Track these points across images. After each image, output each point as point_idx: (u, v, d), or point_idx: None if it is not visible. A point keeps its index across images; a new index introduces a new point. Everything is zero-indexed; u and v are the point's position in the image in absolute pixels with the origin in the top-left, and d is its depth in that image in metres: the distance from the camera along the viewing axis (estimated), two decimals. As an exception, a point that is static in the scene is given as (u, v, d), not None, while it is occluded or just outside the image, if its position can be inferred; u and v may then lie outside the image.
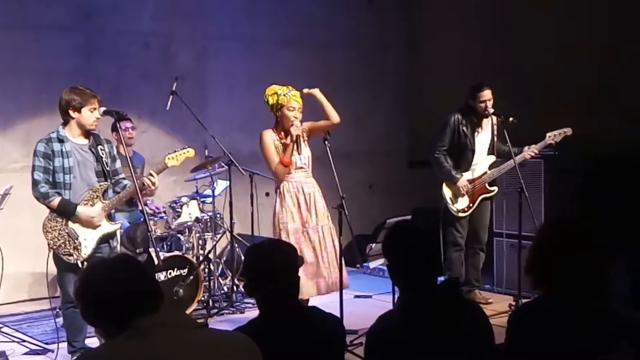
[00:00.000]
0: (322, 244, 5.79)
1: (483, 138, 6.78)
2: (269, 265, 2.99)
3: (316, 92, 5.91)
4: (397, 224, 3.26)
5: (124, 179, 5.30)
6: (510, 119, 6.47)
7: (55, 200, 5.01)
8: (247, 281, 3.08)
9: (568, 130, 6.57)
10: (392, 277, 3.02)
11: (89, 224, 5.08)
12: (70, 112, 5.04)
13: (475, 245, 6.89)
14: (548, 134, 6.58)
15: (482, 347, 2.88)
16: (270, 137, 5.79)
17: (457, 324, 2.83)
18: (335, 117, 5.86)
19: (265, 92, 5.83)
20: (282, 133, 5.81)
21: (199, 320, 2.52)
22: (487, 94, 6.61)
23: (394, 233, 3.11)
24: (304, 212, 5.78)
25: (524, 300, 6.04)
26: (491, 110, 6.62)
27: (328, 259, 5.79)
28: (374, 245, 5.78)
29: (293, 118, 5.74)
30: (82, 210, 5.04)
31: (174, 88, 6.95)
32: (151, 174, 5.14)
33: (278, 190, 5.86)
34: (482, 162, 6.78)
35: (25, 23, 7.40)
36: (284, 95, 5.76)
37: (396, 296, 5.22)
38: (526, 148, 6.62)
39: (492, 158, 6.80)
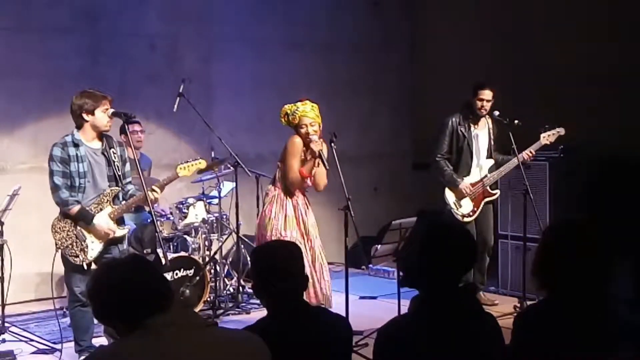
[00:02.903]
0: (321, 258, 5.83)
1: (482, 140, 6.80)
2: (275, 265, 3.01)
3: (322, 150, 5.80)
4: (442, 222, 3.10)
5: (129, 183, 5.33)
6: (516, 121, 6.50)
7: (75, 209, 5.05)
8: (254, 282, 3.10)
9: (561, 130, 6.62)
10: (418, 274, 2.86)
11: (101, 237, 5.12)
12: (84, 115, 5.07)
13: (483, 251, 6.89)
14: (542, 135, 6.62)
15: (491, 356, 2.88)
16: (300, 145, 5.77)
17: (469, 331, 2.80)
18: (320, 185, 5.88)
19: (280, 113, 5.88)
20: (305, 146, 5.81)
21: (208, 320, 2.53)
22: (486, 93, 6.64)
23: (440, 231, 2.94)
24: (302, 225, 5.80)
25: (528, 302, 6.06)
26: (484, 112, 6.65)
27: (322, 274, 5.81)
28: (379, 246, 5.79)
29: (305, 134, 5.74)
30: (98, 222, 5.07)
31: (181, 90, 6.98)
32: (154, 190, 5.16)
33: (277, 196, 5.84)
34: (481, 165, 6.81)
35: (30, 25, 7.43)
36: (292, 114, 5.77)
37: (401, 298, 5.23)
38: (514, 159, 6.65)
39: (491, 161, 6.83)
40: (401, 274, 2.99)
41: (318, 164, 5.77)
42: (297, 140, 5.77)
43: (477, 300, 3.00)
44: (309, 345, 2.91)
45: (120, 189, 5.21)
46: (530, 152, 6.61)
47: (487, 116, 6.77)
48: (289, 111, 5.80)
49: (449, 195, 6.75)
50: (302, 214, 5.82)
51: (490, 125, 6.82)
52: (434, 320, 2.77)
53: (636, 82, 7.39)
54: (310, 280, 5.67)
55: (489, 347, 2.82)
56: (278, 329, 2.88)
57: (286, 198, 5.82)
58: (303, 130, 5.75)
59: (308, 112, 5.76)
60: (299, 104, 5.81)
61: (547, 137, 6.62)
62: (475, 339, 2.77)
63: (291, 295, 3.00)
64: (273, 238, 5.73)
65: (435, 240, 2.88)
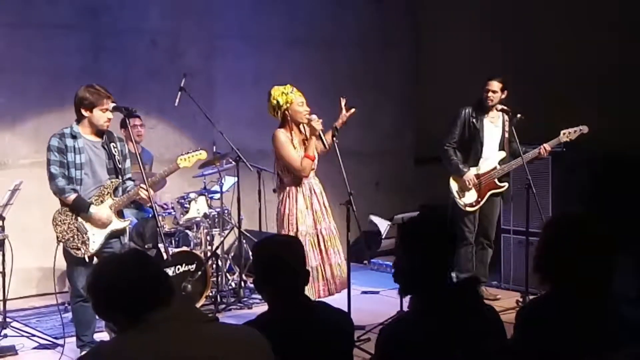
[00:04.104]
0: (334, 243, 5.80)
1: (494, 133, 6.79)
2: (276, 260, 3.00)
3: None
4: (412, 219, 3.08)
5: (129, 179, 5.33)
6: (518, 115, 6.49)
7: (71, 197, 5.05)
8: (255, 276, 3.10)
9: (584, 128, 6.55)
10: (409, 277, 2.84)
11: (99, 225, 5.12)
12: (83, 110, 5.09)
13: (482, 240, 6.90)
14: (563, 131, 6.56)
15: (493, 349, 2.86)
16: (286, 135, 5.75)
17: (470, 325, 2.78)
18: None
19: (270, 94, 5.79)
20: (294, 131, 5.79)
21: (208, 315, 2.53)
22: (491, 84, 6.65)
23: (411, 226, 2.95)
24: (317, 213, 5.77)
25: (531, 297, 6.06)
26: (489, 103, 6.65)
27: (337, 259, 5.79)
28: (382, 239, 5.79)
29: (305, 112, 5.74)
30: (95, 211, 5.08)
31: (182, 84, 6.98)
32: (142, 187, 5.12)
33: (287, 191, 5.80)
34: (491, 157, 6.78)
35: (32, 21, 7.43)
36: (291, 92, 5.76)
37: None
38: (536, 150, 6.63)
39: (503, 154, 6.80)
40: (398, 287, 2.95)
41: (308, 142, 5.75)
42: (280, 133, 5.75)
43: (477, 294, 2.99)
44: (309, 341, 2.90)
45: (120, 181, 5.21)
46: (546, 147, 6.56)
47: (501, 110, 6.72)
48: (285, 90, 5.77)
49: (453, 184, 6.75)
50: (313, 201, 5.79)
51: (506, 118, 6.78)
52: (433, 317, 2.76)
53: (636, 81, 7.37)
54: (321, 267, 5.69)
55: (490, 340, 2.81)
56: (278, 324, 2.87)
57: (296, 190, 5.78)
58: (301, 108, 5.73)
59: (301, 93, 5.79)
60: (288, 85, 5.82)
61: (567, 135, 6.55)
62: (476, 333, 2.77)
63: (292, 290, 2.99)
64: (289, 234, 5.68)
65: (408, 236, 2.90)
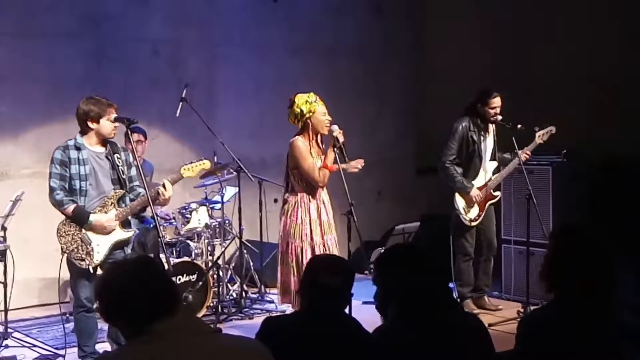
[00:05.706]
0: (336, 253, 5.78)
1: (489, 145, 6.80)
2: (326, 266, 3.24)
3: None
4: (393, 250, 3.24)
5: (138, 186, 5.33)
6: (519, 126, 6.50)
7: (70, 208, 5.06)
8: (304, 281, 3.21)
9: (552, 129, 6.70)
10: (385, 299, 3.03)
11: (102, 231, 5.12)
12: (89, 123, 5.10)
13: (488, 253, 6.90)
14: (537, 134, 6.67)
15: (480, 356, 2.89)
16: (305, 144, 5.69)
17: (454, 338, 2.82)
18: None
19: (294, 101, 5.72)
20: (313, 140, 5.74)
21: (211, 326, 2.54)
22: (497, 101, 6.64)
23: (387, 258, 3.17)
24: (324, 224, 5.74)
25: (532, 307, 6.05)
26: (499, 118, 6.65)
27: None
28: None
29: (328, 121, 5.71)
30: (95, 218, 5.08)
31: (183, 95, 6.99)
32: (164, 185, 5.18)
33: (298, 200, 5.73)
34: (487, 168, 6.80)
35: (34, 30, 7.43)
36: (314, 101, 5.72)
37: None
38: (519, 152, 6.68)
39: (495, 163, 6.83)
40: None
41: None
42: (300, 142, 5.70)
43: (456, 302, 3.04)
44: (324, 350, 2.95)
45: (124, 191, 5.22)
46: (527, 152, 6.66)
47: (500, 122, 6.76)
48: (309, 98, 5.71)
49: (459, 201, 6.71)
50: (321, 211, 5.76)
51: (494, 127, 6.81)
52: (412, 329, 2.87)
53: (636, 83, 7.38)
54: None
55: (470, 343, 2.84)
56: (306, 325, 2.99)
57: (309, 201, 5.73)
58: (324, 117, 5.70)
59: (322, 103, 5.75)
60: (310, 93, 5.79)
61: (541, 137, 6.69)
62: (458, 342, 2.79)
63: (331, 301, 3.12)
64: (303, 244, 5.66)
65: (382, 267, 3.13)
